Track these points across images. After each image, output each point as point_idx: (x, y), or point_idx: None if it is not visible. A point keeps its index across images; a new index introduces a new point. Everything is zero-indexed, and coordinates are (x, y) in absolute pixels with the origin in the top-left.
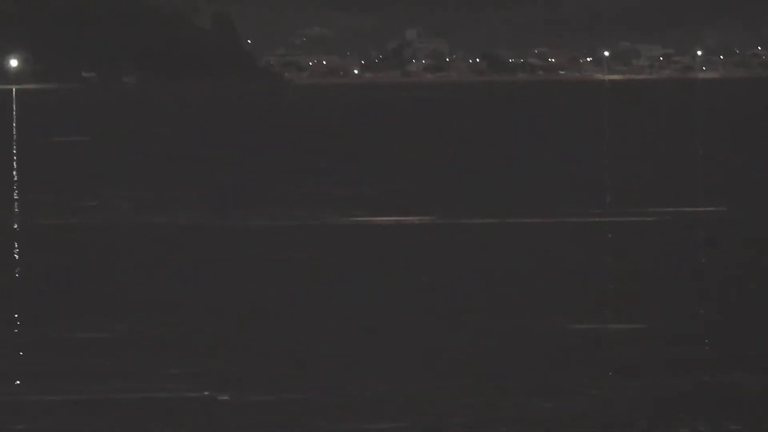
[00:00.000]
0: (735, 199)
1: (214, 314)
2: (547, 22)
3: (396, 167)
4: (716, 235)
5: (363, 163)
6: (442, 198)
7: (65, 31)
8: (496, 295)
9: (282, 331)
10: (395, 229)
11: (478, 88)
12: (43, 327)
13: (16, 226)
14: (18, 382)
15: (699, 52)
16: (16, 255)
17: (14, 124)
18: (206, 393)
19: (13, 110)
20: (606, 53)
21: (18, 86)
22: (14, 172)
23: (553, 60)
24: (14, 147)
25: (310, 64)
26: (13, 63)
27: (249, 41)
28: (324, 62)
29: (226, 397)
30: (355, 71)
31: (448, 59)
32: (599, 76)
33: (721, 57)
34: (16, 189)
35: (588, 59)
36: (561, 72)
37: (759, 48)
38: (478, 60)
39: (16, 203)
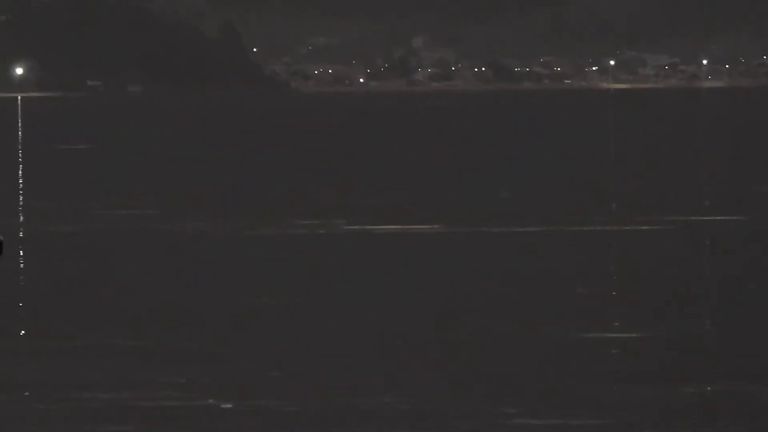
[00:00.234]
0: (741, 208)
1: (218, 321)
2: (552, 31)
3: (402, 175)
4: (722, 243)
5: (368, 171)
6: (448, 206)
7: (70, 40)
8: (501, 303)
9: (286, 338)
10: (400, 237)
11: (484, 96)
12: (48, 334)
13: (21, 233)
14: (21, 389)
15: (705, 61)
16: (20, 262)
17: (19, 132)
18: (210, 401)
19: (18, 118)
20: (611, 62)
21: (23, 94)
22: (19, 180)
23: (558, 69)
24: (19, 154)
25: (316, 72)
26: (19, 71)
27: (255, 50)
28: (330, 71)
29: (229, 405)
30: (361, 80)
31: (453, 68)
32: (605, 84)
33: (727, 66)
34: (21, 196)
35: (594, 68)
36: (567, 81)
37: (765, 57)
38: (483, 69)
39: (20, 210)
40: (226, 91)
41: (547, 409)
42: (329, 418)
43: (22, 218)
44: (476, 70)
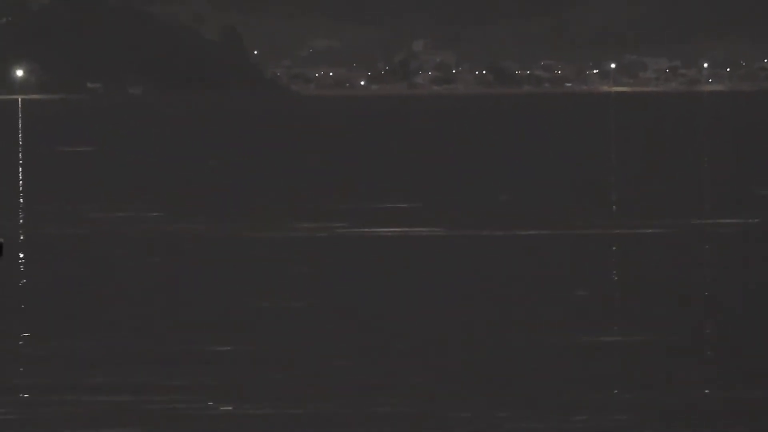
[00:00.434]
0: (742, 211)
1: (218, 323)
2: (553, 35)
3: (402, 178)
4: (724, 247)
5: (369, 174)
6: (449, 209)
7: (71, 42)
8: (501, 306)
9: (286, 340)
10: (400, 240)
11: (484, 99)
12: (48, 338)
13: (21, 235)
14: (22, 391)
15: (705, 65)
16: (21, 264)
17: (20, 134)
18: (210, 403)
19: (18, 120)
20: (612, 65)
21: (24, 96)
22: (20, 182)
23: (559, 72)
24: (20, 156)
25: (317, 75)
26: (19, 73)
27: (255, 52)
28: (330, 74)
29: (229, 407)
30: (362, 83)
31: (454, 71)
32: (605, 88)
33: (728, 70)
34: (21, 198)
35: (594, 71)
36: (567, 84)
37: (765, 61)
38: (484, 72)
39: (21, 213)
40: (226, 93)
41: (548, 411)
42: (329, 421)
43: (22, 220)
44: (477, 73)
